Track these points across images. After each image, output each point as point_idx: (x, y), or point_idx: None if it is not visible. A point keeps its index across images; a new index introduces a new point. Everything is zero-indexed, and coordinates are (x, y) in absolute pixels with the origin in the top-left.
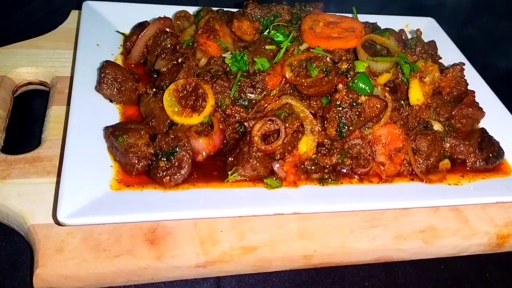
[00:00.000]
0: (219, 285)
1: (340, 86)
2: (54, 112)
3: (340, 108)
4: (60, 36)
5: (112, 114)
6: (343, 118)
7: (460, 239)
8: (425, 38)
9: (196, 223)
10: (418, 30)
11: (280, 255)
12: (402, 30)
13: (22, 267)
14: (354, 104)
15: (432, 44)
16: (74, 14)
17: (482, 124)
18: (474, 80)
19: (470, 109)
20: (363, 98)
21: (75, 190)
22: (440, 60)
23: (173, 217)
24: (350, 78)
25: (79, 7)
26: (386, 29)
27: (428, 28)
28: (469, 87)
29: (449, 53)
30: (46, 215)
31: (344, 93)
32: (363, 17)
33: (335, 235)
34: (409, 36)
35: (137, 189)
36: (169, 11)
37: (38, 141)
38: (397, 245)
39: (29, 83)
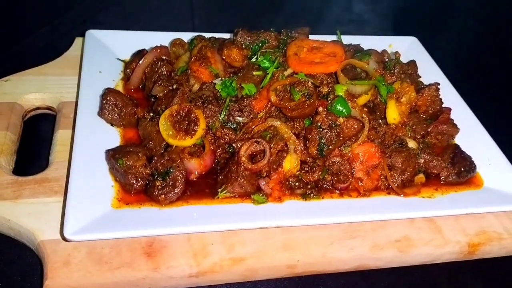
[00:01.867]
0: None
1: (320, 109)
2: (60, 136)
3: (321, 129)
4: (65, 63)
5: (114, 137)
6: (323, 138)
7: (433, 248)
8: (408, 57)
9: (189, 237)
10: (397, 52)
11: (266, 265)
12: (384, 51)
13: (33, 279)
14: (333, 125)
15: (412, 63)
16: (78, 41)
17: (458, 139)
18: (452, 97)
19: (445, 126)
20: (341, 120)
21: (80, 209)
22: (420, 79)
23: (167, 233)
24: (329, 101)
25: (82, 35)
26: (368, 51)
27: (411, 47)
28: (447, 104)
29: (430, 71)
30: (54, 232)
31: (324, 115)
32: (347, 38)
33: (317, 246)
34: (392, 56)
35: (136, 206)
36: (167, 37)
37: (46, 163)
38: (373, 254)
39: (37, 108)
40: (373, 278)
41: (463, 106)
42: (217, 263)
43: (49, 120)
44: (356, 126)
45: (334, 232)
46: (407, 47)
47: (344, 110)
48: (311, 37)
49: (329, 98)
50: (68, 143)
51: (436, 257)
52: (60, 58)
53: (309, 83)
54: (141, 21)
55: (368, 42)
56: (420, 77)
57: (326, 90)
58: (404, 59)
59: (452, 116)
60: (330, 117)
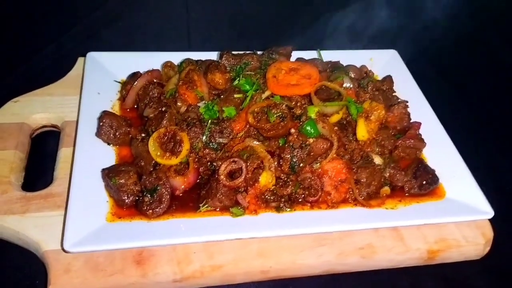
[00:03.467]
0: None
1: (293, 130)
2: (63, 153)
3: (292, 149)
4: (69, 83)
5: (110, 155)
6: (294, 157)
7: (394, 255)
8: (387, 70)
9: (174, 246)
10: (370, 71)
11: (242, 271)
12: (363, 66)
13: (39, 284)
14: (304, 145)
15: (388, 79)
16: (80, 61)
17: (426, 152)
18: (424, 111)
19: (412, 140)
20: (310, 140)
21: (78, 224)
22: (396, 93)
23: (154, 245)
24: (301, 123)
25: (85, 51)
26: (347, 67)
27: (390, 60)
28: (419, 118)
29: (406, 85)
30: (57, 242)
31: (296, 136)
32: (328, 53)
33: (288, 253)
34: (373, 69)
35: (127, 220)
36: (162, 58)
37: (51, 177)
38: (339, 261)
39: (44, 126)
40: (341, 281)
41: (434, 120)
42: (198, 270)
43: (55, 136)
44: (324, 146)
45: (305, 240)
46: (387, 60)
47: (313, 132)
48: (296, 53)
49: (301, 119)
50: (70, 160)
51: (397, 263)
52: (64, 78)
53: (283, 106)
54: (141, 35)
55: (349, 56)
56: (395, 92)
57: (300, 111)
58: (383, 72)
59: (423, 129)
60: (301, 138)
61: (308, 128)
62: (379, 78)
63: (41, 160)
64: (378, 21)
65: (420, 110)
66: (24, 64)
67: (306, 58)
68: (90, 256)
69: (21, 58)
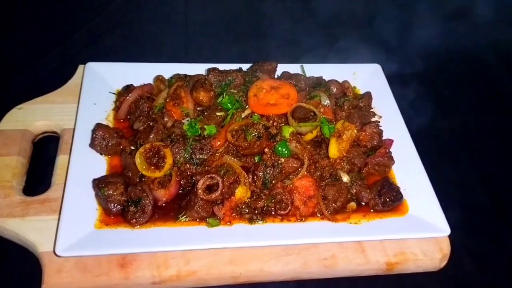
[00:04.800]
0: None
1: (266, 149)
2: (61, 160)
3: (265, 167)
4: (69, 91)
5: (101, 164)
6: (267, 174)
7: (355, 266)
8: (368, 84)
9: (155, 252)
10: (347, 89)
11: (214, 276)
12: (345, 81)
13: (35, 281)
14: (276, 164)
15: (367, 95)
16: (80, 69)
17: (395, 169)
18: (399, 129)
19: (381, 158)
20: (282, 160)
21: (69, 230)
22: (373, 109)
23: (136, 251)
24: (275, 143)
25: (86, 57)
26: (329, 82)
27: (373, 74)
28: (393, 135)
29: (384, 100)
30: (51, 245)
31: (269, 155)
32: (312, 67)
33: (257, 261)
34: (356, 83)
35: (113, 227)
36: (157, 68)
37: (49, 181)
38: (304, 269)
39: (44, 132)
40: (306, 285)
41: (406, 137)
42: (175, 274)
43: (55, 140)
44: (295, 165)
45: (273, 250)
46: (370, 75)
47: (285, 152)
48: (281, 66)
49: (276, 139)
50: (66, 168)
51: (358, 273)
52: (64, 86)
53: (260, 126)
54: (142, 41)
55: (333, 70)
56: (372, 108)
57: (275, 131)
58: (365, 86)
59: (395, 146)
60: (273, 157)
61: (280, 148)
62: (361, 92)
63: (41, 163)
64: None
65: (395, 126)
66: (28, 70)
67: (292, 71)
68: (79, 259)
69: (26, 63)
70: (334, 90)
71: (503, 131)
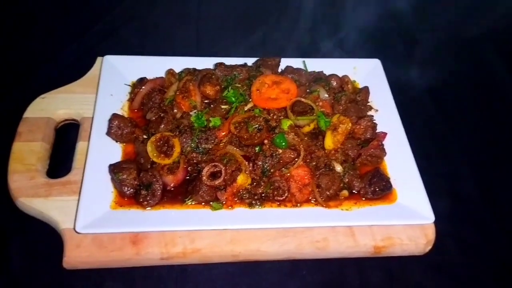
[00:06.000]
0: (183, 269)
1: (266, 141)
2: (80, 146)
3: (264, 157)
4: (88, 82)
5: (117, 151)
6: (266, 164)
7: (345, 248)
8: (368, 79)
9: (163, 231)
10: (347, 83)
11: (216, 254)
12: (345, 76)
13: (58, 254)
14: (274, 154)
15: (365, 90)
16: (98, 60)
17: (387, 160)
18: (393, 122)
19: (373, 150)
20: (280, 151)
21: (87, 209)
22: (370, 103)
23: (147, 230)
24: (274, 135)
25: (104, 50)
26: (329, 76)
27: (372, 69)
28: (387, 128)
29: (382, 95)
30: (72, 222)
31: (268, 146)
32: (313, 62)
33: (255, 242)
34: (356, 77)
35: (127, 208)
36: (169, 61)
37: (70, 165)
38: (298, 251)
39: (65, 120)
40: (300, 265)
41: (400, 130)
42: (181, 251)
43: (76, 127)
44: (292, 156)
45: (270, 232)
46: (369, 70)
47: (283, 144)
48: (285, 60)
49: (276, 131)
50: (85, 153)
51: (347, 255)
52: (84, 77)
53: (261, 119)
54: (155, 35)
55: (334, 64)
56: (370, 102)
57: (274, 124)
58: (365, 80)
59: (388, 139)
60: (272, 148)
61: (278, 140)
62: (360, 86)
63: (63, 148)
64: None
65: (390, 120)
66: (51, 60)
67: (295, 66)
68: (96, 236)
69: (49, 55)
70: (334, 84)
71: (495, 125)
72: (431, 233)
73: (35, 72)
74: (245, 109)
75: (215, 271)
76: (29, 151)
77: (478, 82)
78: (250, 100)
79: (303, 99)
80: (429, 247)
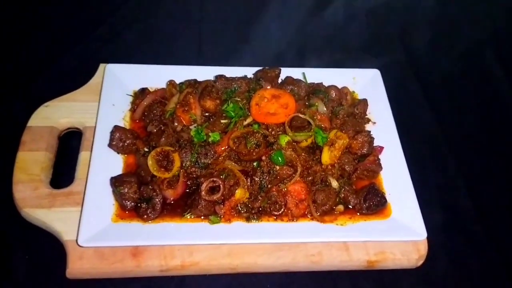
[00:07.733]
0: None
1: (264, 157)
2: (83, 156)
3: (262, 173)
4: (90, 90)
5: (118, 162)
6: (263, 179)
7: (338, 262)
8: (367, 89)
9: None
10: (346, 95)
11: (214, 267)
12: (344, 87)
13: (62, 265)
14: (271, 171)
15: (363, 102)
16: (101, 67)
17: (383, 174)
18: (390, 136)
19: (369, 165)
20: (277, 167)
21: (89, 223)
22: (368, 115)
23: (147, 244)
24: (272, 151)
25: (106, 55)
26: (328, 88)
27: (371, 80)
28: (384, 142)
29: (380, 107)
30: (75, 234)
31: (266, 162)
32: (312, 72)
33: (251, 255)
34: (355, 88)
35: (127, 221)
36: (171, 70)
37: (73, 174)
38: (293, 264)
39: (68, 128)
40: (294, 277)
41: (396, 145)
42: (179, 264)
43: (78, 134)
44: (289, 172)
45: (267, 246)
46: (368, 80)
47: (280, 161)
48: (285, 70)
49: (274, 147)
50: (88, 163)
51: (341, 268)
52: (86, 85)
53: (259, 135)
54: (159, 38)
55: (333, 74)
56: (368, 114)
57: (273, 140)
58: (363, 91)
59: (384, 153)
60: (270, 165)
61: (276, 157)
62: (359, 97)
63: (65, 155)
64: None
65: (387, 133)
66: (54, 66)
67: (294, 76)
68: (98, 248)
69: (52, 60)
70: (333, 95)
71: (493, 138)
72: (423, 248)
73: (36, 78)
74: (244, 124)
75: (214, 282)
76: (33, 160)
77: (479, 94)
78: (249, 114)
79: (301, 115)
80: (421, 262)
